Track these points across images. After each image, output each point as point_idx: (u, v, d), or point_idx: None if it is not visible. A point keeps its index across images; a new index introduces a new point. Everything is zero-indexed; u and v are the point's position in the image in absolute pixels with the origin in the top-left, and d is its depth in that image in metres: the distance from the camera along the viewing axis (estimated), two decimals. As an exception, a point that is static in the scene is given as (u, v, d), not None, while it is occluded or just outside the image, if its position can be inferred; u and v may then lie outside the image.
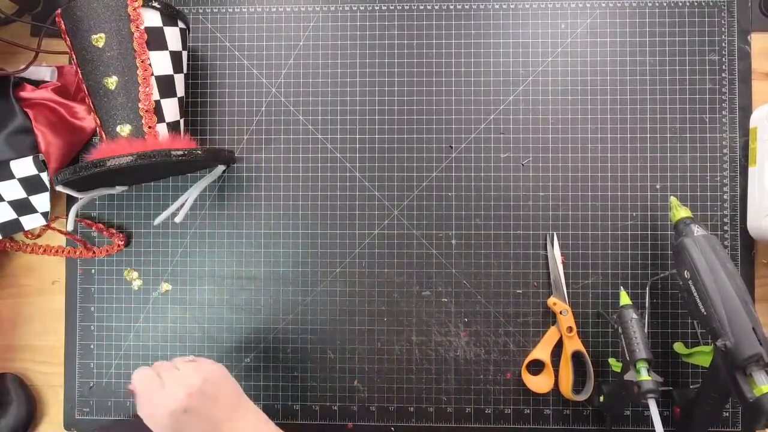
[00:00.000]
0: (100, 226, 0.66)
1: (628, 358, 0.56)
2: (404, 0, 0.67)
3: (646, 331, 0.59)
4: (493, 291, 0.65)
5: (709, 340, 0.53)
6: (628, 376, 0.56)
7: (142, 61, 0.56)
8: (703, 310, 0.53)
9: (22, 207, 0.62)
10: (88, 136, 0.67)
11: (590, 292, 0.65)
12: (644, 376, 0.55)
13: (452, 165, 0.66)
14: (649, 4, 0.66)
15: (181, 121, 0.62)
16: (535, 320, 0.65)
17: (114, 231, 0.66)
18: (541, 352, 0.64)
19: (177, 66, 0.60)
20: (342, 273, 0.66)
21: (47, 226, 0.65)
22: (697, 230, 0.55)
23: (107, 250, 0.66)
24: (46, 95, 0.64)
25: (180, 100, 0.61)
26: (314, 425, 0.66)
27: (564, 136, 0.65)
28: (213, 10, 0.68)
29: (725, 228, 0.64)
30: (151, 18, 0.57)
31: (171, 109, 0.59)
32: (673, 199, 0.60)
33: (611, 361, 0.62)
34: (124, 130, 0.56)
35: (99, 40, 0.55)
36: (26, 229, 0.63)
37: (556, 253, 0.64)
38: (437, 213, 0.66)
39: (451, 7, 0.67)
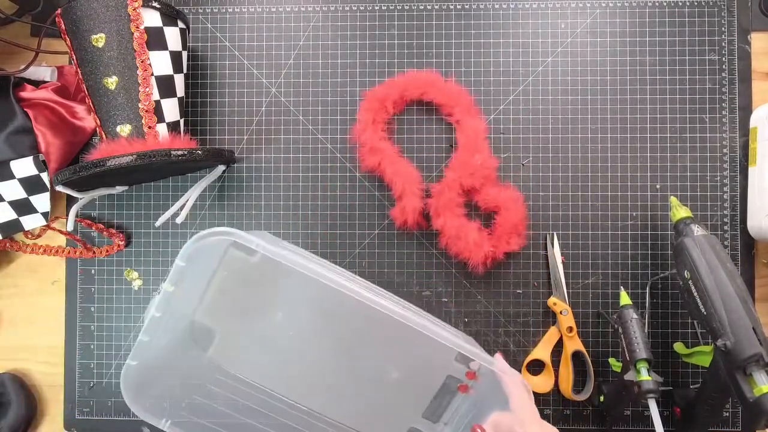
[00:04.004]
0: (100, 226, 0.66)
1: (628, 358, 0.56)
2: (404, 0, 0.67)
3: (646, 331, 0.59)
4: (493, 291, 0.65)
5: (709, 340, 0.53)
6: (628, 376, 0.56)
7: (142, 61, 0.56)
8: (703, 310, 0.53)
9: (23, 207, 0.62)
10: (88, 136, 0.67)
11: (590, 292, 0.64)
12: (644, 376, 0.55)
13: (452, 165, 0.66)
14: (649, 4, 0.66)
15: (181, 121, 0.62)
16: (535, 320, 0.65)
17: (114, 231, 0.66)
18: (542, 352, 0.64)
19: (177, 66, 0.60)
20: (342, 273, 0.66)
21: (47, 226, 0.65)
22: (697, 230, 0.55)
23: (107, 250, 0.66)
24: (46, 95, 0.64)
25: (180, 100, 0.61)
26: (314, 425, 0.66)
27: (564, 136, 0.65)
28: (213, 10, 0.68)
29: (725, 228, 0.64)
30: (151, 18, 0.57)
31: (171, 109, 0.59)
32: (673, 199, 0.60)
33: (611, 361, 0.62)
34: (124, 130, 0.56)
35: (99, 40, 0.55)
36: (26, 229, 0.63)
37: (556, 253, 0.64)
38: (437, 213, 0.65)
39: (451, 7, 0.67)
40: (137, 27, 0.55)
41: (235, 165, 0.67)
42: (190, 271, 0.50)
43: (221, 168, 0.66)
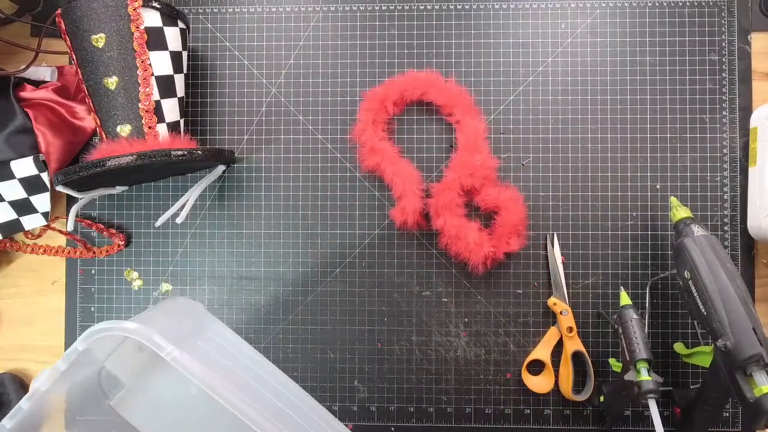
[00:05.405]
0: (100, 226, 0.66)
1: (628, 358, 0.56)
2: (404, 0, 0.67)
3: (646, 331, 0.59)
4: (493, 291, 0.65)
5: (709, 340, 0.53)
6: (628, 376, 0.56)
7: (142, 61, 0.56)
8: (703, 310, 0.53)
9: (23, 207, 0.62)
10: (88, 136, 0.67)
11: (590, 292, 0.64)
12: (644, 376, 0.55)
13: (452, 165, 0.66)
14: (649, 4, 0.66)
15: (181, 121, 0.62)
16: (535, 320, 0.65)
17: (114, 231, 0.66)
18: (542, 352, 0.64)
19: (177, 66, 0.60)
20: (342, 273, 0.66)
21: (47, 226, 0.65)
22: (697, 230, 0.55)
23: (107, 250, 0.66)
24: (46, 95, 0.64)
25: (180, 100, 0.61)
26: (314, 425, 0.66)
27: (564, 136, 0.65)
28: (213, 10, 0.68)
29: (725, 228, 0.64)
30: (151, 18, 0.57)
31: (171, 109, 0.59)
32: (673, 199, 0.60)
33: (611, 361, 0.62)
34: (124, 130, 0.56)
35: (99, 40, 0.55)
36: (26, 229, 0.63)
37: (556, 253, 0.64)
38: (437, 213, 0.65)
39: (451, 7, 0.67)
40: (137, 27, 0.55)
41: (235, 165, 0.67)
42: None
43: (221, 168, 0.66)
